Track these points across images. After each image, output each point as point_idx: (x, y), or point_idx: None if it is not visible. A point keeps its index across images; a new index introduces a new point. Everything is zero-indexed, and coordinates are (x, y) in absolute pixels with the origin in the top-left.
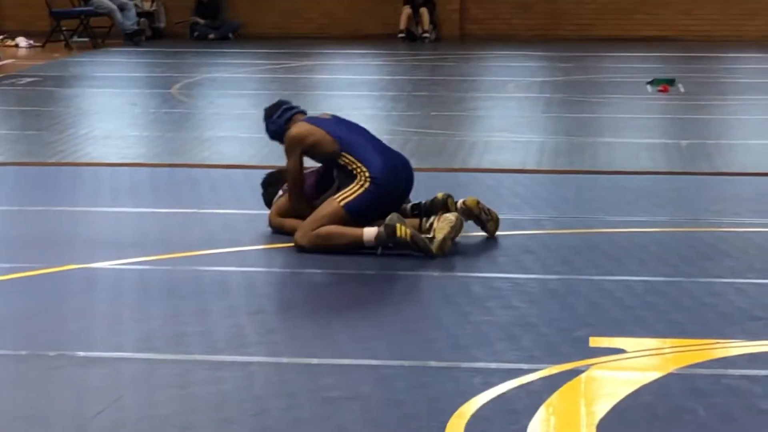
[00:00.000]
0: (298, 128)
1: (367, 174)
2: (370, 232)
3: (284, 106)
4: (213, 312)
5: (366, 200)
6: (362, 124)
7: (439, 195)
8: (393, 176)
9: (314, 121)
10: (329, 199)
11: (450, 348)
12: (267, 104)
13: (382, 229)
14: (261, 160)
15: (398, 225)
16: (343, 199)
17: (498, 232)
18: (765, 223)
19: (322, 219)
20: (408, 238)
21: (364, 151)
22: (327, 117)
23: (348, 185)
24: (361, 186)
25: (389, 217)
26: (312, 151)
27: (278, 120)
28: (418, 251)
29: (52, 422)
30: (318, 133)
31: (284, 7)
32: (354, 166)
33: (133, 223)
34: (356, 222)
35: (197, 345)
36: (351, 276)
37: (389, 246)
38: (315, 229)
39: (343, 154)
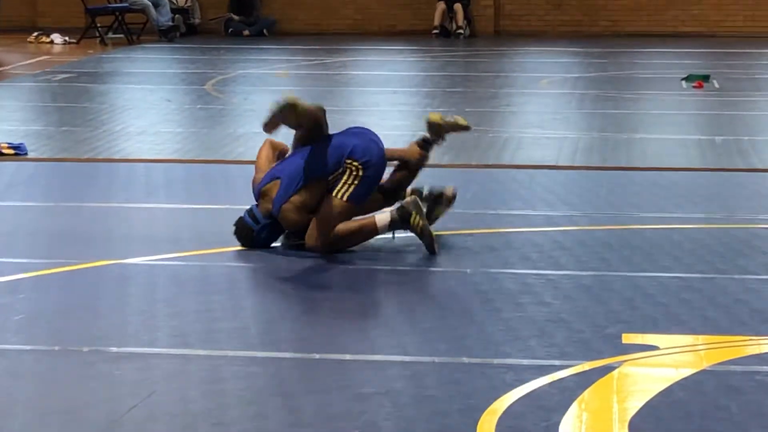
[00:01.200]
0: (290, 209)
1: (357, 164)
2: (383, 221)
3: (251, 215)
4: (245, 308)
5: (366, 186)
6: (396, 121)
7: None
8: (376, 153)
9: (284, 194)
10: (327, 198)
11: (482, 344)
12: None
13: (395, 214)
14: None
15: (413, 212)
16: (344, 193)
17: (531, 228)
18: None
19: (332, 219)
20: (419, 227)
21: (341, 148)
22: (276, 182)
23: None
24: (356, 176)
25: (408, 202)
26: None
27: (261, 230)
28: (422, 241)
29: (85, 417)
30: (311, 198)
31: (318, 3)
32: (345, 168)
33: (167, 219)
34: (362, 209)
35: (230, 341)
36: (383, 272)
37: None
38: (329, 231)
39: (331, 177)
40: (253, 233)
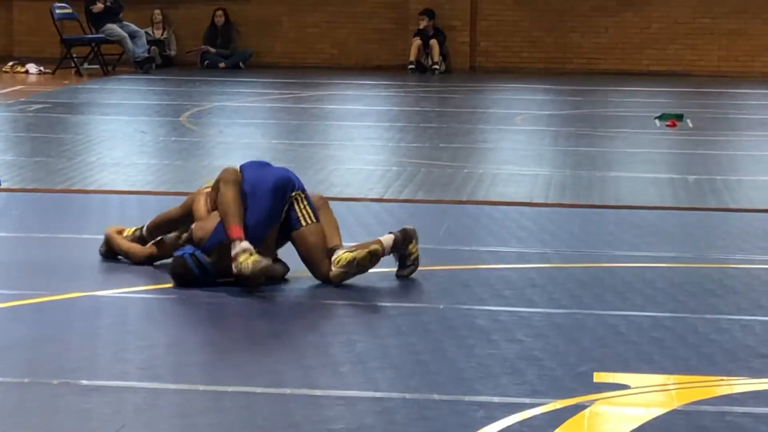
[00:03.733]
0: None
1: (299, 194)
2: (388, 241)
3: (197, 263)
4: (216, 341)
5: (311, 205)
6: (370, 155)
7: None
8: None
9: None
10: (304, 231)
11: (453, 381)
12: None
13: (398, 234)
14: None
15: (415, 240)
16: (309, 217)
17: (504, 265)
18: None
19: (321, 243)
20: (415, 255)
21: (281, 187)
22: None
23: (298, 211)
24: (303, 199)
25: (411, 228)
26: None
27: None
28: (403, 268)
29: None
30: (269, 254)
31: (295, 36)
32: (291, 201)
33: None
34: None
35: (201, 375)
36: (355, 307)
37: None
38: (327, 255)
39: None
40: (198, 281)
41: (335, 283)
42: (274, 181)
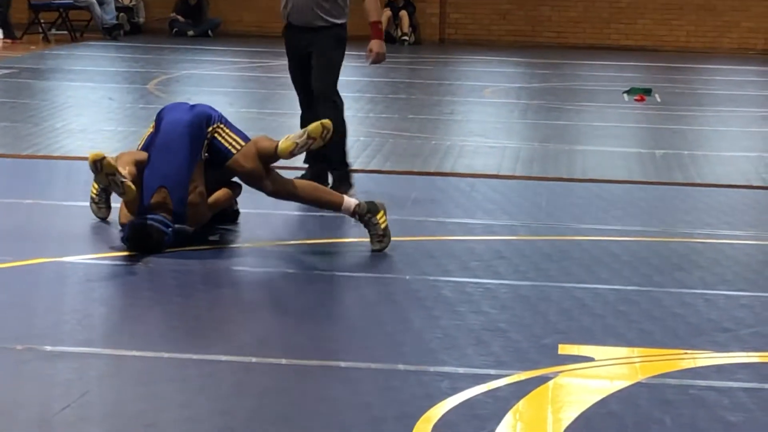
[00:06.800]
0: (194, 209)
1: (219, 126)
2: (349, 203)
3: (160, 222)
4: (181, 309)
5: (235, 129)
6: None
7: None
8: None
9: (181, 198)
10: (246, 149)
11: (418, 351)
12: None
13: (364, 203)
14: None
15: (382, 211)
16: (237, 140)
17: (471, 237)
18: (737, 235)
19: (256, 159)
20: (383, 226)
21: (198, 122)
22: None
23: (226, 140)
24: (224, 129)
25: (381, 202)
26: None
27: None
28: (375, 240)
29: (17, 416)
30: (201, 183)
31: (265, 5)
32: (213, 134)
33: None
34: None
35: (164, 342)
36: (320, 276)
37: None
38: (268, 170)
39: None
40: (165, 236)
41: (284, 156)
42: (188, 121)
